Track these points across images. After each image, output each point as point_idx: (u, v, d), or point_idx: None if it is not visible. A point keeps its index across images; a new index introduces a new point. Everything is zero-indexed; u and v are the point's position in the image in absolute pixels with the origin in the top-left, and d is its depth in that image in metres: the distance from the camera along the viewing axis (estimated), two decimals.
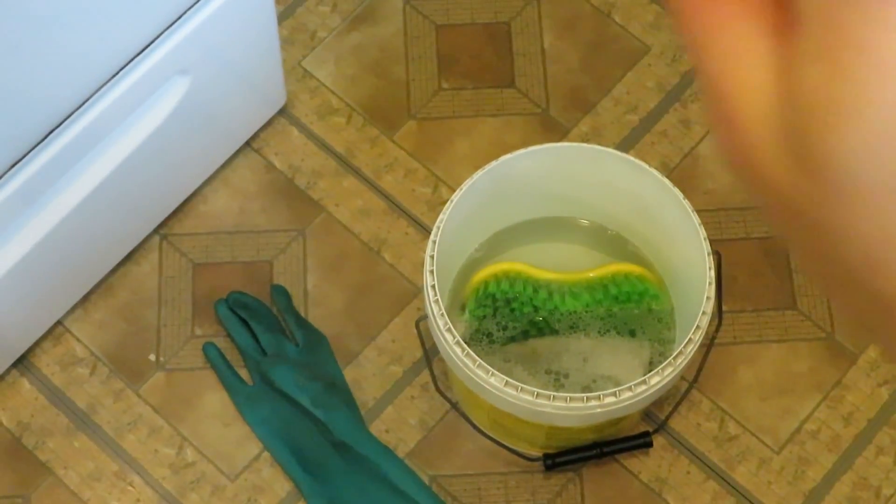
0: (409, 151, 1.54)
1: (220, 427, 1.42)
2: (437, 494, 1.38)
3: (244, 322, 1.45)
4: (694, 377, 1.39)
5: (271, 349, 1.44)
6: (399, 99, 1.56)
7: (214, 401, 1.43)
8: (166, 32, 1.23)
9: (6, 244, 1.26)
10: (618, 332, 1.35)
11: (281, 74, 1.48)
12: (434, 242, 1.23)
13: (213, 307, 1.46)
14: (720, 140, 0.35)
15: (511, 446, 1.39)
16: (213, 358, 1.44)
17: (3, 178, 1.18)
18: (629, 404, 1.20)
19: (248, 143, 1.53)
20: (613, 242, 1.39)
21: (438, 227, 1.23)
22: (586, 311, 1.35)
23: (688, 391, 1.41)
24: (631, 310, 1.35)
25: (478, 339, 1.34)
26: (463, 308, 1.35)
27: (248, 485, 1.40)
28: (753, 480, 1.41)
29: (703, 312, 1.21)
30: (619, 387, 1.19)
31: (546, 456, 1.39)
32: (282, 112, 1.55)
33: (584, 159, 1.30)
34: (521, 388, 1.18)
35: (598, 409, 1.19)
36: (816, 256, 0.34)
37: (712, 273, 1.22)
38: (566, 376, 1.34)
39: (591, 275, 1.36)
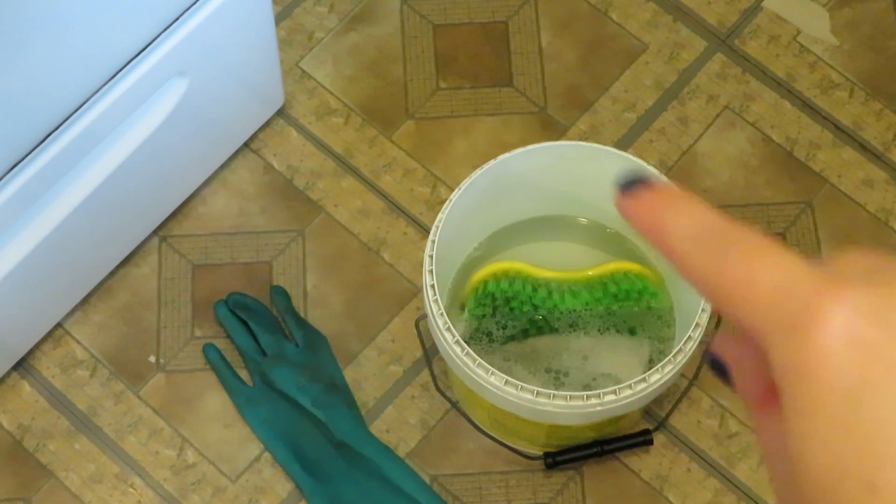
0: (408, 151, 1.54)
1: (221, 428, 1.42)
2: (438, 494, 1.38)
3: (244, 323, 1.45)
4: (694, 374, 1.39)
5: (271, 350, 1.44)
6: (397, 99, 1.56)
7: (215, 402, 1.43)
8: (164, 34, 1.23)
9: (6, 247, 1.26)
10: (617, 331, 1.35)
11: (279, 75, 1.48)
12: (433, 242, 1.23)
13: (212, 308, 1.47)
14: None
15: (511, 445, 1.39)
16: (213, 359, 1.44)
17: (2, 181, 1.18)
18: (629, 402, 1.20)
19: (246, 145, 1.53)
20: (612, 240, 1.39)
21: (437, 227, 1.23)
22: (586, 310, 1.35)
23: (688, 389, 1.41)
24: (630, 308, 1.35)
25: (477, 338, 1.34)
26: (462, 307, 1.35)
27: (250, 486, 1.40)
28: (755, 477, 1.41)
29: (703, 310, 1.21)
30: (619, 385, 1.19)
31: (547, 454, 1.39)
32: (280, 113, 1.55)
33: (583, 158, 1.30)
34: (521, 386, 1.18)
35: (599, 408, 1.19)
36: None
37: None
38: (566, 375, 1.34)
39: (591, 273, 1.36)
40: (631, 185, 0.40)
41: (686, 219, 0.38)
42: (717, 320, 1.38)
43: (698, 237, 0.38)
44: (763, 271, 0.36)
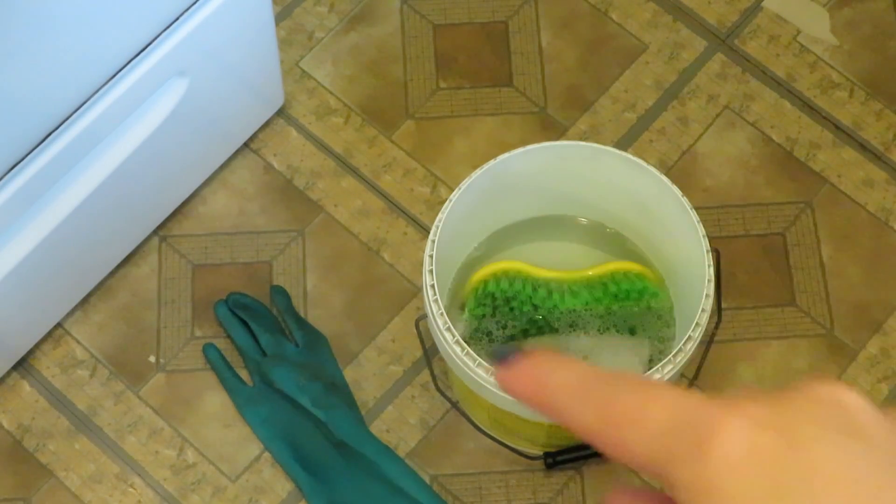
0: (408, 151, 1.54)
1: (221, 428, 1.42)
2: (438, 494, 1.38)
3: (244, 323, 1.45)
4: (694, 374, 1.39)
5: (271, 350, 1.44)
6: (397, 99, 1.57)
7: (215, 402, 1.43)
8: (164, 34, 1.23)
9: (6, 247, 1.26)
10: (617, 330, 1.35)
11: (279, 75, 1.48)
12: (433, 242, 1.23)
13: (212, 308, 1.47)
14: None
15: (512, 445, 1.39)
16: (213, 359, 1.44)
17: (1, 181, 1.18)
18: None
19: (246, 144, 1.54)
20: (612, 240, 1.39)
21: (437, 227, 1.23)
22: (586, 310, 1.35)
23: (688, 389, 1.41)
24: (630, 308, 1.35)
25: (477, 338, 1.34)
26: (462, 307, 1.36)
27: (249, 486, 1.40)
28: None
29: (703, 310, 1.21)
30: None
31: (547, 454, 1.39)
32: (280, 113, 1.55)
33: (583, 158, 1.30)
34: None
35: None
36: None
37: (711, 270, 1.22)
38: None
39: (591, 273, 1.36)
40: (505, 358, 0.40)
41: (566, 373, 0.39)
42: (716, 321, 1.38)
43: (582, 387, 0.38)
44: (654, 404, 0.36)
